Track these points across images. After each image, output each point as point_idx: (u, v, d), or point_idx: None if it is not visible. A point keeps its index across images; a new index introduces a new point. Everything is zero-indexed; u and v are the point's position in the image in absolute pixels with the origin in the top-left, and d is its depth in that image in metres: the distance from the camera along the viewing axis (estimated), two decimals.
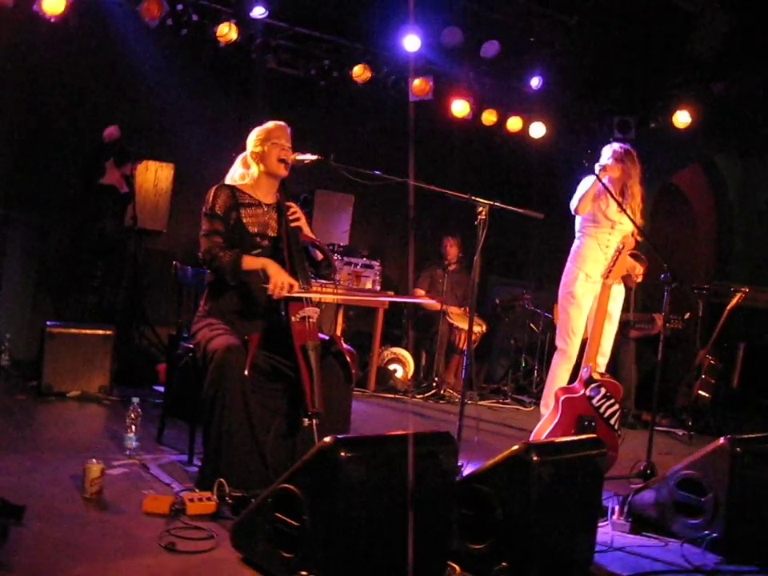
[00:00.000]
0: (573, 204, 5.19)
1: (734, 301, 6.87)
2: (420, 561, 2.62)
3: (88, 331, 5.45)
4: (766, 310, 8.48)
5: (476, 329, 7.61)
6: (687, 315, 7.02)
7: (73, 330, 5.41)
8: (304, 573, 2.40)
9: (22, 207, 6.40)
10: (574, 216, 5.32)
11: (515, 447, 2.79)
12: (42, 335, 5.34)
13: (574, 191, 5.28)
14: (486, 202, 3.70)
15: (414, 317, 7.93)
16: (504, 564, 2.72)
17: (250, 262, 3.72)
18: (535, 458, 2.71)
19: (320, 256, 4.06)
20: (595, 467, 3.02)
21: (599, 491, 3.10)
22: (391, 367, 7.51)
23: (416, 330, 7.94)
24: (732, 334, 7.47)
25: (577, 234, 5.31)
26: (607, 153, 5.18)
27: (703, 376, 6.97)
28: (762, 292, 8.00)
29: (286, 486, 2.52)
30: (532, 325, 8.12)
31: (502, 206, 3.76)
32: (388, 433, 2.70)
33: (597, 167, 4.92)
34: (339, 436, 2.45)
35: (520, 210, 3.85)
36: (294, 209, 3.96)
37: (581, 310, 5.14)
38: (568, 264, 5.28)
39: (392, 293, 8.00)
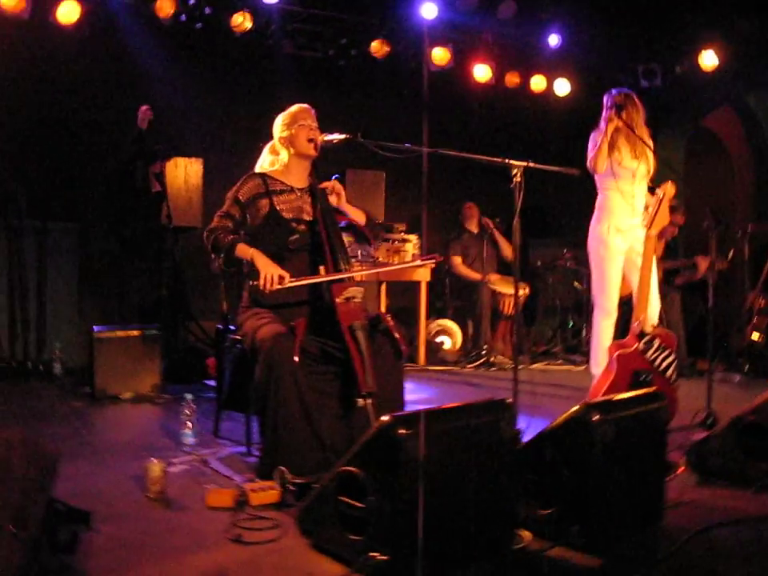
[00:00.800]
0: (590, 164, 5.04)
1: None
2: (489, 531, 2.61)
3: (134, 333, 5.49)
4: None
5: (519, 292, 7.54)
6: (731, 255, 6.87)
7: (120, 333, 5.46)
8: (373, 554, 2.39)
9: (58, 215, 6.47)
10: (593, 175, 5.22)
11: (575, 408, 2.74)
12: (91, 341, 5.40)
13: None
14: (520, 163, 3.62)
15: (456, 286, 7.90)
16: (575, 527, 2.68)
17: (243, 251, 3.70)
18: (596, 418, 2.66)
19: (361, 222, 4.07)
20: (658, 421, 2.96)
21: (664, 445, 3.05)
22: (439, 340, 7.49)
23: (459, 299, 7.91)
24: None
25: (599, 190, 5.17)
26: (608, 102, 5.02)
27: (755, 318, 6.84)
28: None
29: (348, 468, 2.51)
30: (576, 283, 8.03)
31: (536, 165, 3.67)
32: (444, 406, 2.66)
33: (602, 120, 4.86)
34: (396, 413, 2.43)
35: (555, 169, 3.77)
36: (330, 185, 3.95)
37: (614, 263, 5.01)
38: (593, 221, 5.14)
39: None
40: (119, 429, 4.72)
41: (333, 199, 4.03)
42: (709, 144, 9.44)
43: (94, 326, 5.52)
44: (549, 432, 2.79)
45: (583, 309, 7.90)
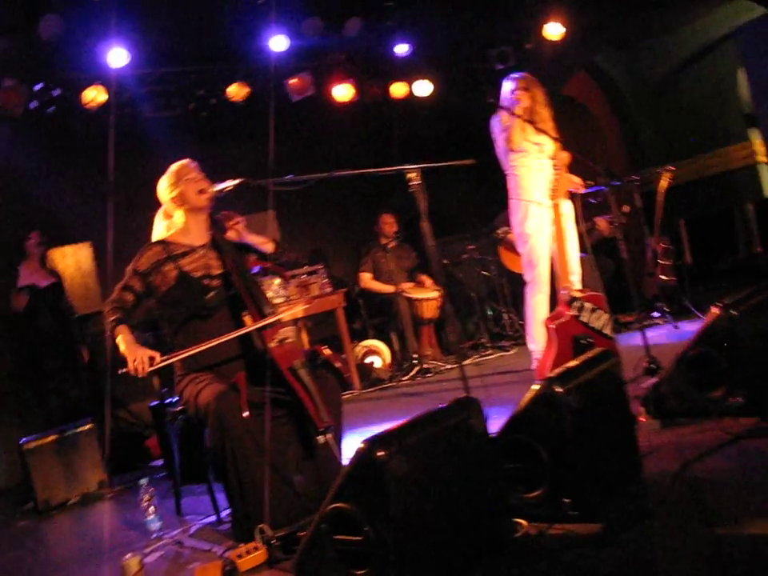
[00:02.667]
0: (505, 144, 5.20)
1: (665, 183, 6.96)
2: (487, 528, 2.59)
3: (68, 433, 5.26)
4: (690, 182, 8.68)
5: (434, 294, 7.60)
6: (626, 209, 7.10)
7: (51, 438, 5.21)
8: None
9: None
10: (491, 159, 5.35)
11: (536, 386, 2.75)
12: (22, 454, 5.13)
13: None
14: (415, 166, 3.64)
15: (370, 304, 7.89)
16: (567, 500, 2.69)
17: (117, 334, 3.58)
18: (559, 390, 2.68)
19: (271, 249, 4.01)
20: (615, 377, 3.01)
21: (626, 399, 3.10)
22: (368, 360, 7.46)
23: (376, 316, 7.90)
24: (670, 215, 7.58)
25: (509, 171, 5.30)
26: (510, 85, 5.22)
27: (660, 261, 7.07)
28: (680, 167, 8.13)
29: (335, 505, 2.45)
30: (485, 272, 8.13)
31: (431, 164, 3.71)
32: (412, 417, 2.63)
33: (508, 102, 4.99)
34: (371, 436, 2.38)
35: (450, 163, 3.81)
36: (231, 222, 3.89)
37: (539, 238, 5.12)
38: (513, 201, 5.26)
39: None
40: (77, 536, 4.51)
41: (233, 234, 3.95)
42: (573, 111, 9.74)
43: (20, 438, 5.26)
44: (516, 416, 2.79)
45: (498, 295, 8.02)
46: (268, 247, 4.01)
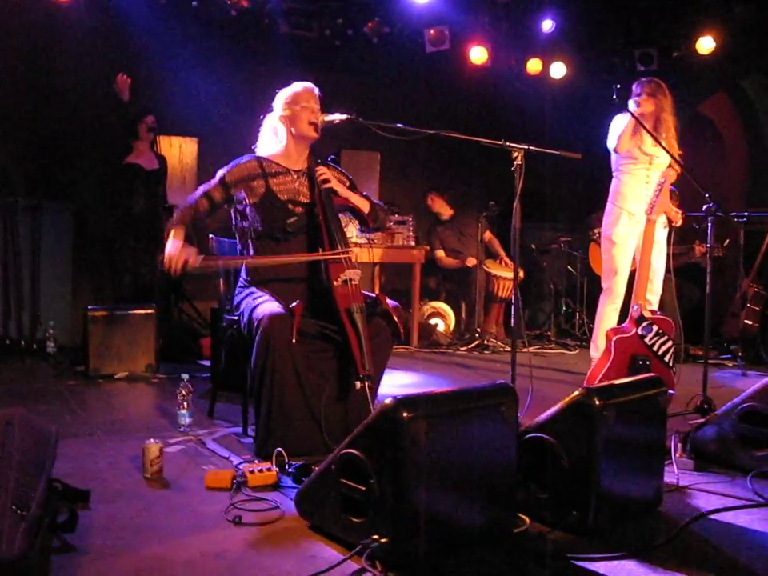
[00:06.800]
0: (612, 143, 5.13)
1: None
2: (490, 515, 2.61)
3: (130, 312, 5.47)
4: None
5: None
6: (727, 242, 6.89)
7: (115, 312, 5.44)
8: (375, 537, 2.38)
9: (52, 194, 6.42)
10: (609, 156, 5.29)
11: (576, 393, 2.73)
12: (85, 320, 5.37)
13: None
14: (520, 146, 3.61)
15: (449, 269, 7.88)
16: (574, 513, 2.68)
17: (170, 233, 3.70)
18: (598, 403, 2.66)
19: (364, 210, 3.98)
20: (657, 407, 2.97)
21: (663, 431, 3.05)
22: (432, 322, 7.49)
23: (451, 281, 7.90)
24: None
25: (614, 173, 5.24)
26: (638, 89, 5.11)
27: (749, 305, 6.86)
28: None
29: (349, 450, 2.50)
30: (569, 267, 8.04)
31: (538, 149, 3.67)
32: (447, 389, 2.65)
33: (630, 104, 4.88)
34: (399, 396, 2.42)
35: (556, 152, 3.76)
36: (321, 171, 3.87)
37: (624, 249, 5.07)
38: (609, 204, 5.21)
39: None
40: (115, 408, 4.69)
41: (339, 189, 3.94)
42: (703, 130, 9.42)
43: (89, 306, 5.48)
44: (549, 416, 2.78)
45: (577, 293, 7.92)
46: (364, 206, 3.99)
